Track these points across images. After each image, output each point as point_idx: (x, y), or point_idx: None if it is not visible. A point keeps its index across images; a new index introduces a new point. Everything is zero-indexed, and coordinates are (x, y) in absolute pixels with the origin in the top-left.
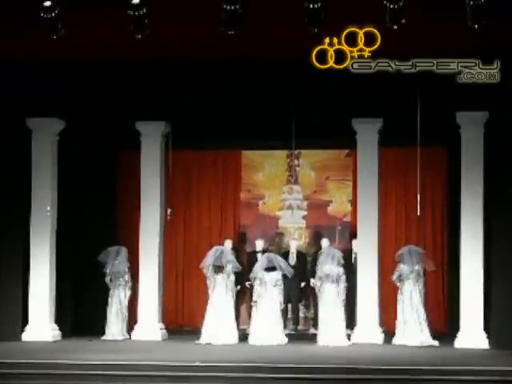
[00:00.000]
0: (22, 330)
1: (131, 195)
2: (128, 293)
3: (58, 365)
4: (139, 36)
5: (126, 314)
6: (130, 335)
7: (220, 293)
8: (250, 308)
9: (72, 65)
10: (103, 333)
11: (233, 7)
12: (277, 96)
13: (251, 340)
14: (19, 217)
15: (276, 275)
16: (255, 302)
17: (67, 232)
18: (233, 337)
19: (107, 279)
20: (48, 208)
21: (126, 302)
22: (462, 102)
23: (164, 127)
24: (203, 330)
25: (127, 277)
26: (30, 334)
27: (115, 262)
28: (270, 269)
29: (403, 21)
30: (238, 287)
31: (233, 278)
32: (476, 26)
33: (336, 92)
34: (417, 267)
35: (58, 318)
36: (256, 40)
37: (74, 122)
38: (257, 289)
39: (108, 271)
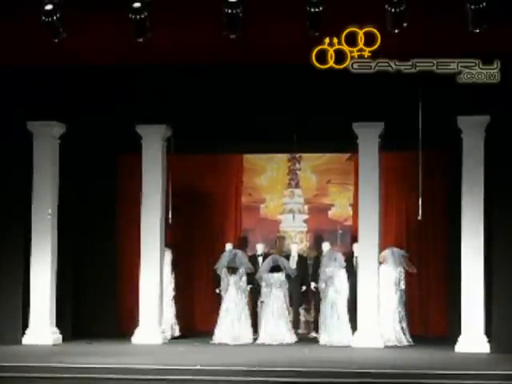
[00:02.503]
0: (23, 334)
1: (132, 198)
2: (171, 294)
3: (59, 368)
4: (140, 39)
5: (173, 313)
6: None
7: (233, 294)
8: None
9: (73, 68)
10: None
11: (234, 11)
12: (278, 100)
13: (260, 340)
14: (20, 220)
15: (280, 277)
16: (262, 302)
17: (68, 236)
18: (246, 337)
19: None
20: (49, 211)
21: (171, 302)
22: (463, 106)
23: (165, 131)
24: (216, 331)
25: (170, 278)
26: (31, 338)
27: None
28: (275, 268)
29: (404, 25)
30: (249, 287)
31: (245, 279)
32: (477, 31)
33: (337, 96)
34: (399, 269)
35: (58, 322)
36: (257, 43)
37: (74, 125)
38: (263, 290)
39: None
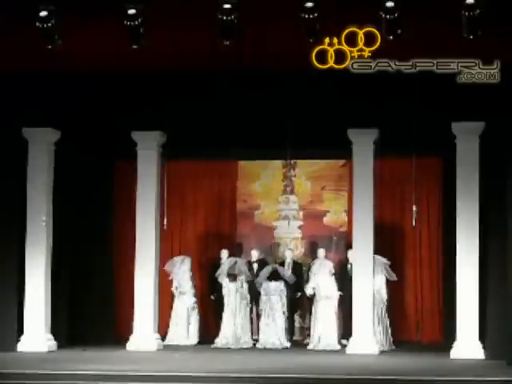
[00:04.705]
0: (18, 341)
1: (127, 205)
2: (192, 300)
3: (53, 375)
4: (135, 46)
5: (196, 318)
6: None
7: (234, 300)
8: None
9: (68, 75)
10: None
11: (228, 17)
12: (273, 106)
13: (257, 345)
14: (15, 227)
15: (279, 285)
16: (261, 310)
17: (62, 242)
18: (247, 342)
19: (173, 287)
20: (43, 218)
21: (190, 309)
22: (457, 112)
23: (160, 137)
24: (219, 336)
25: (191, 285)
26: (26, 345)
27: (180, 270)
28: (273, 275)
29: (399, 31)
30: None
31: (246, 286)
32: (471, 37)
33: (331, 102)
34: (380, 276)
35: (53, 329)
36: (251, 49)
37: (70, 131)
38: (262, 297)
39: (174, 280)
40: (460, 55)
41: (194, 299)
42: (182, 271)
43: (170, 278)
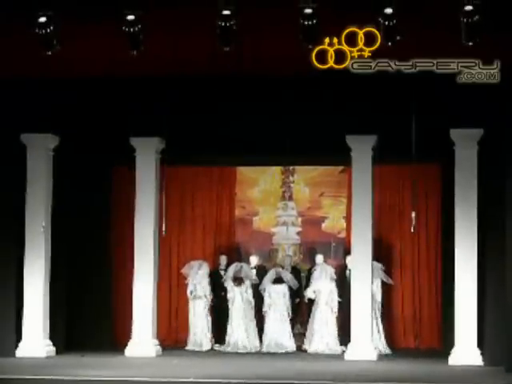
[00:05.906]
0: (16, 346)
1: (126, 210)
2: (207, 305)
3: (52, 381)
4: (134, 52)
5: (209, 325)
6: (213, 343)
7: (240, 305)
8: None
9: (67, 80)
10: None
11: (227, 23)
12: (272, 112)
13: (263, 348)
14: (13, 233)
15: (283, 288)
16: (265, 311)
17: (61, 248)
18: (254, 345)
19: (189, 291)
20: (43, 224)
21: (205, 314)
22: (456, 119)
23: (158, 143)
24: (226, 339)
25: (208, 290)
26: (24, 350)
27: (197, 275)
28: (277, 280)
29: (398, 38)
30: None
31: (251, 291)
32: (470, 44)
33: (330, 109)
34: (376, 281)
35: (52, 334)
36: (250, 55)
37: (68, 137)
38: (266, 301)
39: (190, 284)
40: (460, 55)
41: (210, 304)
42: (199, 276)
43: (187, 281)
